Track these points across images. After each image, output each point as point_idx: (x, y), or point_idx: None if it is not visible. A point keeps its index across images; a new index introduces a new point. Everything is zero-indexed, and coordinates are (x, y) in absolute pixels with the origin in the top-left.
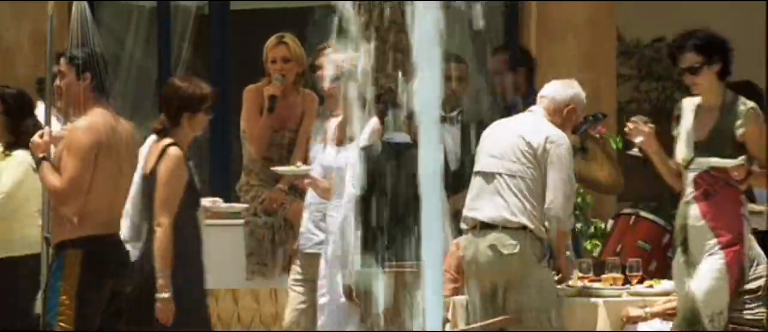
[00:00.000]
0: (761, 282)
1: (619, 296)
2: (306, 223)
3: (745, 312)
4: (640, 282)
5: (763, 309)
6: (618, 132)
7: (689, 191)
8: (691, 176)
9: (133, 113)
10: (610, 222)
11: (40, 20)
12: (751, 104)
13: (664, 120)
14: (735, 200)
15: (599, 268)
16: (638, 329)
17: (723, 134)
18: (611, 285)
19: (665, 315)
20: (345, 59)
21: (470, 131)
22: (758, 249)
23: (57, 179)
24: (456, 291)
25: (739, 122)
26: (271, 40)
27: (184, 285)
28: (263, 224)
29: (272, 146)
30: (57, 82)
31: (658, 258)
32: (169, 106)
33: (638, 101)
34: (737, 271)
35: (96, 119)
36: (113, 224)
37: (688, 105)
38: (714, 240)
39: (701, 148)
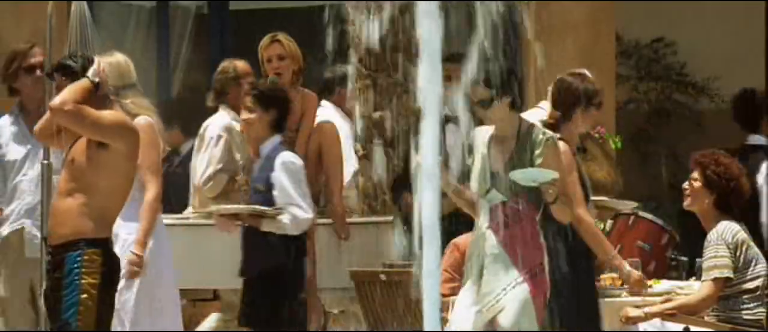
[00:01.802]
0: (759, 282)
1: (619, 296)
2: (31, 229)
3: (743, 312)
4: None
5: (761, 309)
6: (617, 132)
7: (484, 220)
8: (487, 206)
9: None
10: (610, 222)
11: (40, 20)
12: (549, 133)
13: (664, 120)
14: (533, 229)
15: (599, 268)
16: (638, 329)
17: (522, 164)
18: (610, 285)
19: (664, 316)
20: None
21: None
22: (756, 249)
23: (76, 98)
24: (455, 291)
25: (537, 152)
26: (265, 40)
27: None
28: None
29: None
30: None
31: (658, 258)
32: (562, 101)
33: (637, 101)
34: (542, 300)
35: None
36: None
37: (480, 136)
38: (515, 272)
39: (499, 178)
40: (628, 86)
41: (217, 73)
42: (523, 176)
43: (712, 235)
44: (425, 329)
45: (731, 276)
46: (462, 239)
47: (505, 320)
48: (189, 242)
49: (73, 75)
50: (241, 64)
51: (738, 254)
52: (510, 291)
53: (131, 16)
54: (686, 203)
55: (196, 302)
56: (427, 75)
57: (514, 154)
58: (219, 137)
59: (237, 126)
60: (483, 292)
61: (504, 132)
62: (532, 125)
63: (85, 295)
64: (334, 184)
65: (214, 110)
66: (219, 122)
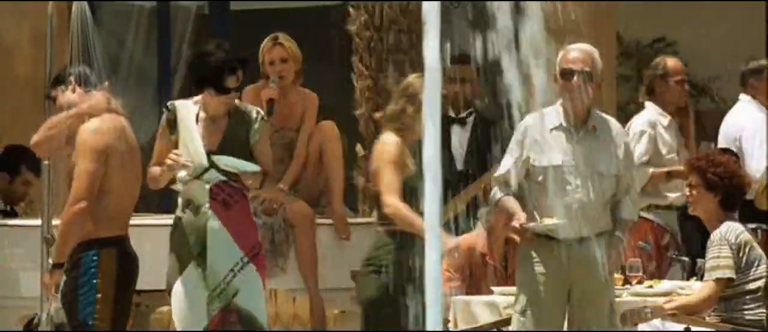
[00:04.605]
0: (761, 283)
1: (619, 296)
2: None
3: (744, 312)
4: (640, 282)
5: (762, 310)
6: None
7: (206, 201)
8: (206, 187)
9: (133, 113)
10: None
11: (40, 20)
12: (263, 113)
13: None
14: (248, 209)
15: None
16: (638, 329)
17: (235, 143)
18: None
19: (665, 315)
20: None
21: (478, 132)
22: (759, 250)
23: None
24: (456, 291)
25: (252, 130)
26: (266, 42)
27: None
28: (263, 225)
29: (273, 146)
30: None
31: (658, 258)
32: None
33: (638, 102)
34: (263, 280)
35: (105, 123)
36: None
37: (186, 114)
38: (239, 252)
39: (215, 158)
40: (628, 86)
41: (647, 69)
42: (230, 163)
43: (716, 235)
44: (427, 329)
45: (733, 276)
46: (462, 239)
47: (242, 301)
48: None
49: (69, 83)
50: (671, 61)
51: (741, 255)
52: (238, 272)
53: (132, 16)
54: (691, 209)
55: None
56: (429, 74)
57: (228, 132)
58: (642, 132)
59: (663, 121)
60: (207, 275)
61: (215, 111)
62: (246, 105)
63: (101, 295)
64: (335, 184)
65: None
66: (645, 117)
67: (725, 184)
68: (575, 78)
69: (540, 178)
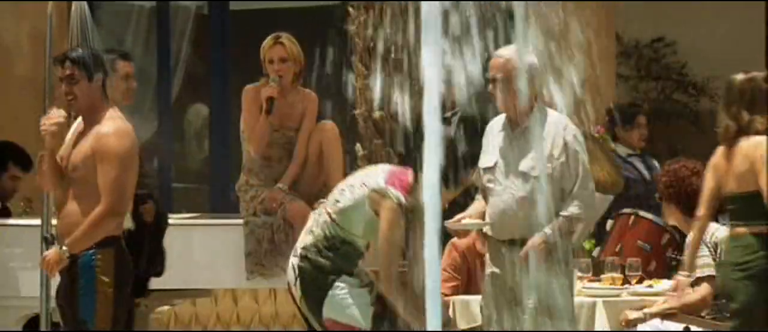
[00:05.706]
0: None
1: (618, 296)
2: None
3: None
4: (640, 282)
5: None
6: None
7: None
8: None
9: (132, 113)
10: (610, 222)
11: (40, 20)
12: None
13: (664, 120)
14: None
15: (598, 268)
16: (638, 329)
17: None
18: (610, 284)
19: (664, 316)
20: None
21: (462, 131)
22: None
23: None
24: (455, 290)
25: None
26: (268, 40)
27: None
28: (262, 224)
29: (272, 146)
30: (64, 87)
31: (658, 257)
32: None
33: (637, 101)
34: None
35: (120, 123)
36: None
37: None
38: None
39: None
40: (628, 85)
41: None
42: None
43: (690, 237)
44: (426, 329)
45: (713, 273)
46: (461, 240)
47: None
48: (189, 242)
49: (85, 66)
50: None
51: (718, 252)
52: None
53: (131, 16)
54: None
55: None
56: (429, 73)
57: None
58: None
59: None
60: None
61: None
62: None
63: (101, 295)
64: (334, 184)
65: None
66: None
67: (675, 193)
68: (489, 85)
69: (482, 179)
